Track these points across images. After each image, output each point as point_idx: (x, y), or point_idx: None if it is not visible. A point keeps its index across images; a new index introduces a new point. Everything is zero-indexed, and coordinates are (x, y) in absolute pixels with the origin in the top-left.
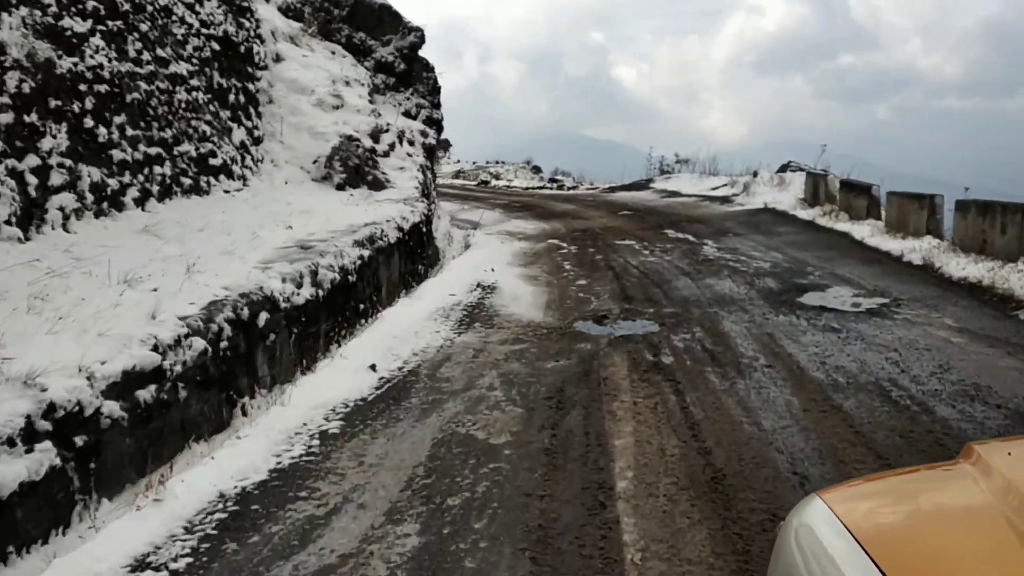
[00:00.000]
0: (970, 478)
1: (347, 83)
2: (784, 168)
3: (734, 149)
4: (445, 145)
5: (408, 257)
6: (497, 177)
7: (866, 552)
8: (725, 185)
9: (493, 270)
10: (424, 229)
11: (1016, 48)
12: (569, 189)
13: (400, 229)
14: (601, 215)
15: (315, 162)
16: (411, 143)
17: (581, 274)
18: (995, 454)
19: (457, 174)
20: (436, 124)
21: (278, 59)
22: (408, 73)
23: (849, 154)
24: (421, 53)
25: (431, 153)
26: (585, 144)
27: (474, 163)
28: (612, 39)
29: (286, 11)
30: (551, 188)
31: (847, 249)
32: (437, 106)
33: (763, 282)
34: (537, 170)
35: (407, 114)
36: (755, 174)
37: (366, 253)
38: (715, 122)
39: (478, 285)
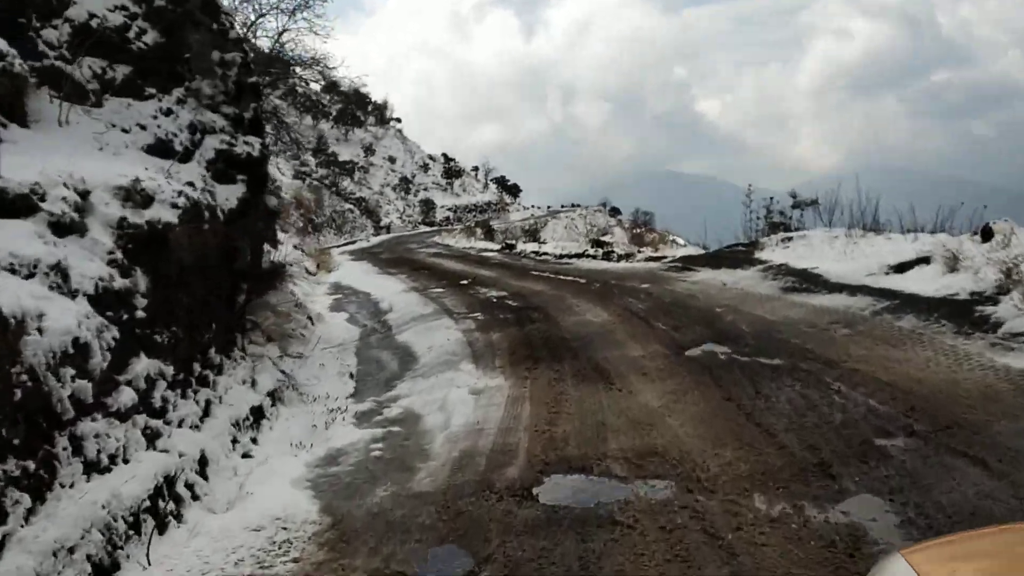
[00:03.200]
0: None
1: None
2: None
3: (830, 176)
4: (514, 191)
5: None
6: (535, 236)
7: None
8: (920, 261)
9: None
10: None
11: None
12: (619, 259)
13: None
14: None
15: None
16: None
17: None
18: None
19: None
20: None
21: None
22: None
23: (947, 172)
24: None
25: None
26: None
27: (548, 207)
28: (694, 73)
29: None
30: (593, 258)
31: None
32: None
33: None
34: (615, 212)
35: None
36: (985, 233)
37: None
38: (805, 150)
39: None
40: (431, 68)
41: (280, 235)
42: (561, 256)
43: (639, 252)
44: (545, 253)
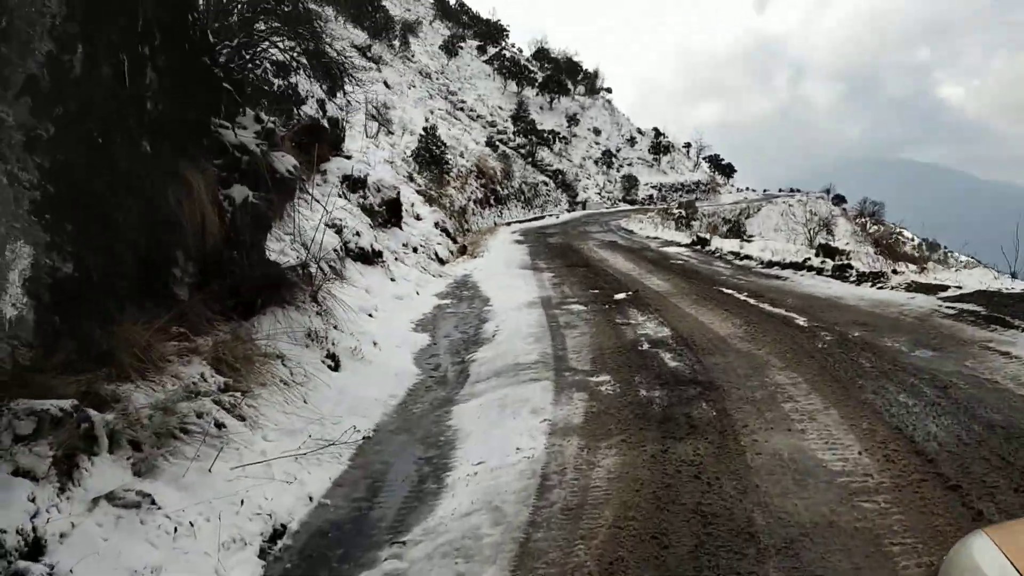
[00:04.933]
0: None
1: None
2: None
3: None
4: (728, 171)
5: None
6: (737, 231)
7: None
8: None
9: None
10: None
11: None
12: (861, 281)
13: None
14: None
15: None
16: None
17: None
18: None
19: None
20: None
21: None
22: None
23: None
24: None
25: None
26: (903, 168)
27: (764, 191)
28: (938, 55)
29: None
30: (819, 272)
31: None
32: None
33: None
34: (839, 200)
35: None
36: None
37: None
38: None
39: None
40: (655, 41)
41: (417, 211)
42: (770, 264)
43: (893, 273)
44: (748, 257)
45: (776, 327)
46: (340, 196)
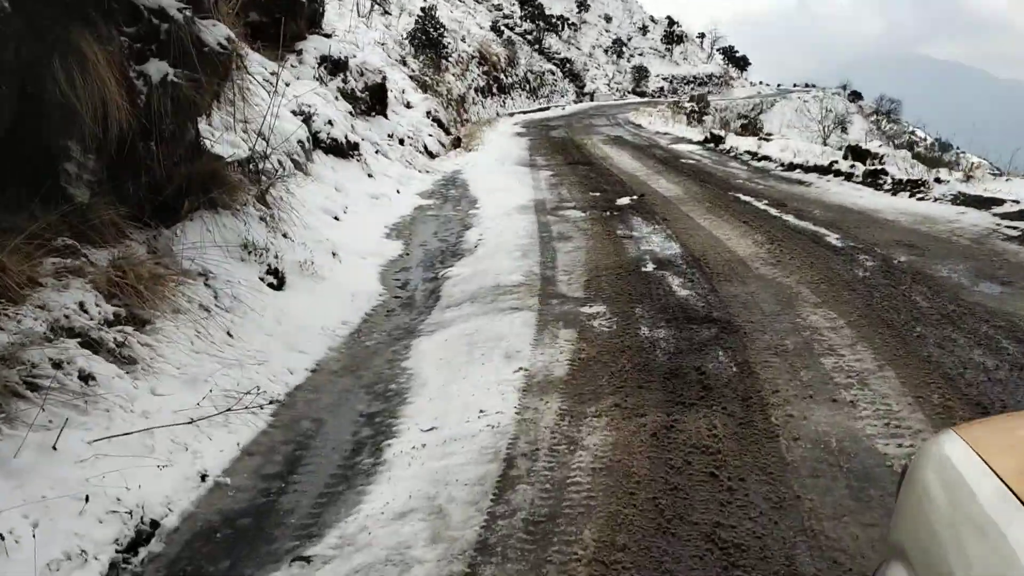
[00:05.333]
0: None
1: None
2: None
3: None
4: (742, 64)
5: None
6: (754, 128)
7: (1011, 490)
8: None
9: None
10: None
11: None
12: (896, 190)
13: None
14: None
15: None
16: None
17: None
18: None
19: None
20: None
21: None
22: None
23: None
24: None
25: None
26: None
27: (779, 86)
28: None
29: None
30: (847, 178)
31: None
32: None
33: None
34: (856, 96)
35: None
36: None
37: None
38: None
39: None
40: None
41: (409, 96)
42: (792, 166)
43: (936, 182)
44: (766, 158)
45: (804, 246)
46: (317, 80)
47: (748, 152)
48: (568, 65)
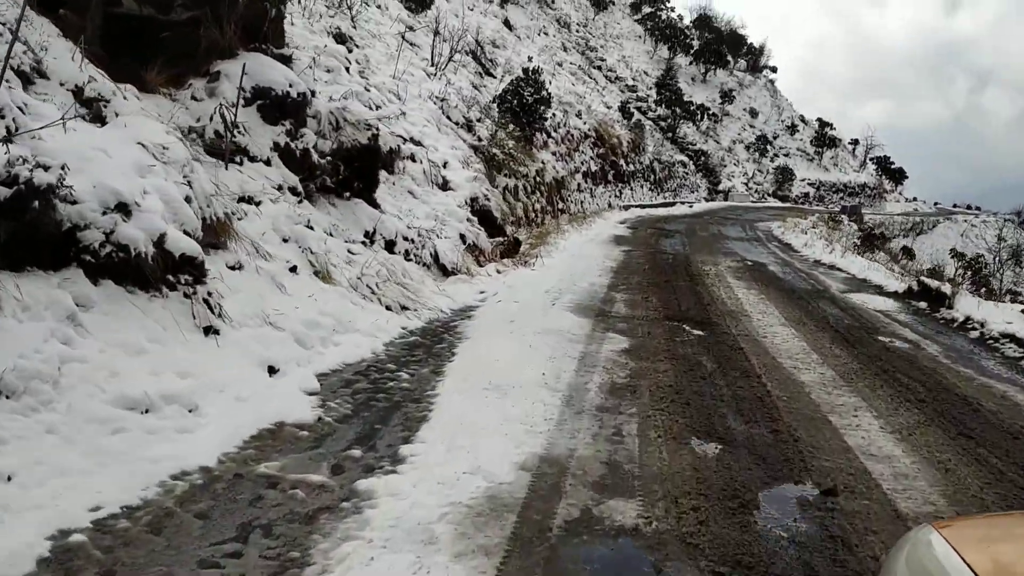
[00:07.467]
0: None
1: None
2: None
3: None
4: (898, 176)
5: None
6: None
7: None
8: None
9: None
10: None
11: None
12: None
13: None
14: None
15: None
16: None
17: None
18: None
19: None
20: None
21: None
22: None
23: None
24: None
25: None
26: None
27: (936, 204)
28: None
29: None
30: None
31: None
32: None
33: None
34: None
35: None
36: None
37: None
38: None
39: None
40: (829, 30)
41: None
42: None
43: None
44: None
45: None
46: (232, 122)
47: (1007, 336)
48: (703, 158)
